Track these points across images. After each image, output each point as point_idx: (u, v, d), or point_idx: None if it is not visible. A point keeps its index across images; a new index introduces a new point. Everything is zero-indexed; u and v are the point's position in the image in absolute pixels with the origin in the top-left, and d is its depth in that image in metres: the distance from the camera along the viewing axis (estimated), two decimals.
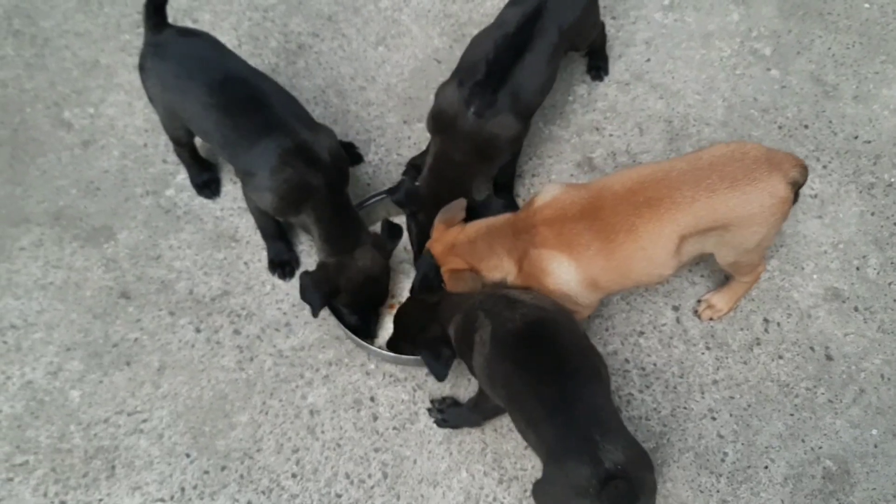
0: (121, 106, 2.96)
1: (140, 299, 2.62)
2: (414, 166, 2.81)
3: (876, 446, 2.50)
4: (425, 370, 2.54)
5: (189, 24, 3.13)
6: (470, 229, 2.31)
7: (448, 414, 2.45)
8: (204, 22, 3.13)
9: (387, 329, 2.58)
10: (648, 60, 3.19)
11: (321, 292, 2.33)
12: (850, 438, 2.51)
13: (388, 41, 3.18)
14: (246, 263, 2.70)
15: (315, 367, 2.55)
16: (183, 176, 2.83)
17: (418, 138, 2.96)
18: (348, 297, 2.40)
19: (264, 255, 2.70)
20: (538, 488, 2.03)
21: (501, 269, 2.29)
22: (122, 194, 2.80)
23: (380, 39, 3.18)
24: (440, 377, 2.25)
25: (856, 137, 3.04)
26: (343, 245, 2.36)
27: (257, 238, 2.72)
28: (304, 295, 2.35)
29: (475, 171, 2.54)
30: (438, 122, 2.50)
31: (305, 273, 2.37)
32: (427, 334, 2.27)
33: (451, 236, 2.29)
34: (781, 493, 2.42)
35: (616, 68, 3.15)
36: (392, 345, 2.43)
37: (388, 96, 3.05)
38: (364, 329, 2.45)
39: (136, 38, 3.09)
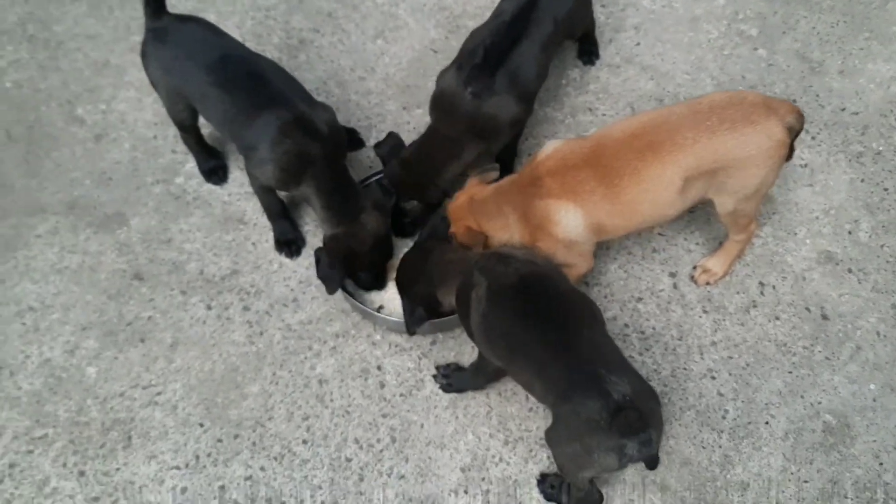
0: (131, 102, 3.08)
1: (152, 280, 2.71)
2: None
3: (874, 400, 2.54)
4: (429, 339, 2.62)
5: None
6: (485, 191, 2.42)
7: (453, 378, 2.52)
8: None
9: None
10: (638, 44, 3.30)
11: (339, 265, 2.44)
12: (849, 393, 2.55)
13: (386, 34, 3.30)
14: (254, 244, 2.79)
15: (323, 340, 2.62)
16: (191, 165, 2.93)
17: (417, 123, 3.06)
18: (362, 262, 2.51)
19: (271, 235, 2.79)
20: (551, 433, 2.08)
21: (508, 228, 2.39)
22: (134, 183, 2.90)
23: (378, 33, 3.30)
24: (407, 330, 2.34)
25: (843, 110, 3.13)
26: (346, 212, 2.45)
27: (264, 220, 2.81)
28: (321, 271, 2.45)
29: (464, 150, 2.62)
30: (438, 103, 2.61)
31: (319, 249, 2.47)
32: (413, 288, 2.35)
33: (472, 192, 2.42)
34: (782, 446, 2.46)
35: (607, 52, 3.26)
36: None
37: (388, 85, 3.16)
38: (376, 284, 2.54)
39: None
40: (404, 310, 2.35)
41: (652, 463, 1.93)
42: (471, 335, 2.30)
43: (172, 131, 3.00)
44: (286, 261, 2.76)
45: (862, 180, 2.96)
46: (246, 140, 2.42)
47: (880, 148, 3.04)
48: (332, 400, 2.52)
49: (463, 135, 2.58)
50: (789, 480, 2.41)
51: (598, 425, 1.89)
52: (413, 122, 3.07)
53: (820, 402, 2.54)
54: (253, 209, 2.85)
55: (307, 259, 2.76)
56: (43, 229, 2.80)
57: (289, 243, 2.74)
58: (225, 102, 2.41)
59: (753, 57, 3.27)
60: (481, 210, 2.41)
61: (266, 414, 2.50)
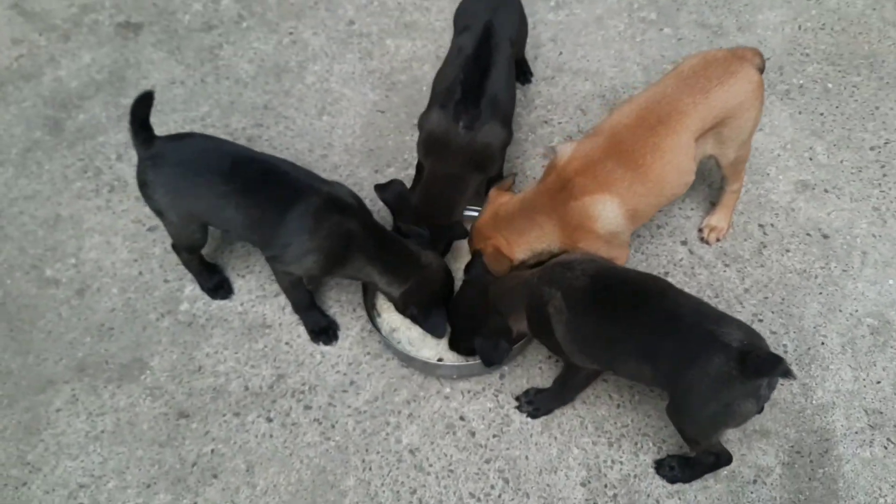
0: (100, 247, 2.91)
1: (199, 413, 2.55)
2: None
3: None
4: (496, 374, 2.61)
5: (132, 151, 3.14)
6: (510, 204, 2.48)
7: (538, 402, 2.52)
8: None
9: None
10: (560, 54, 3.49)
11: (436, 308, 2.45)
12: (876, 294, 2.77)
13: (328, 109, 3.31)
14: (287, 343, 2.69)
15: (396, 411, 2.55)
16: (191, 288, 2.80)
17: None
18: (441, 300, 2.51)
19: (302, 330, 2.70)
20: (676, 407, 2.13)
21: (544, 237, 2.46)
22: (138, 325, 2.73)
23: (320, 110, 3.30)
24: (491, 363, 2.36)
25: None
26: (408, 266, 2.43)
27: (288, 318, 2.73)
28: (425, 324, 2.47)
29: (467, 184, 2.68)
30: (429, 145, 2.65)
31: (409, 309, 2.47)
32: (486, 325, 2.36)
33: (496, 206, 2.50)
34: (845, 359, 2.63)
35: (537, 68, 3.42)
36: (453, 344, 2.53)
37: (351, 155, 3.16)
38: (440, 327, 2.51)
39: (87, 181, 3.07)
40: (483, 348, 2.34)
41: (790, 373, 1.92)
42: (556, 350, 2.32)
43: (157, 263, 2.87)
44: (327, 349, 2.67)
45: (799, 112, 3.26)
46: (279, 238, 2.35)
47: (801, 82, 3.36)
48: (430, 465, 2.45)
49: (463, 169, 2.64)
50: (865, 387, 2.57)
51: (730, 376, 1.96)
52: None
53: (857, 310, 2.73)
54: (271, 310, 2.76)
55: (347, 340, 2.69)
56: (60, 402, 2.57)
57: (324, 331, 2.67)
58: (249, 207, 2.34)
59: (662, 37, 3.55)
60: (510, 226, 2.48)
61: (372, 502, 2.39)
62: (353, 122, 3.27)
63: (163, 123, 3.24)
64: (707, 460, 2.31)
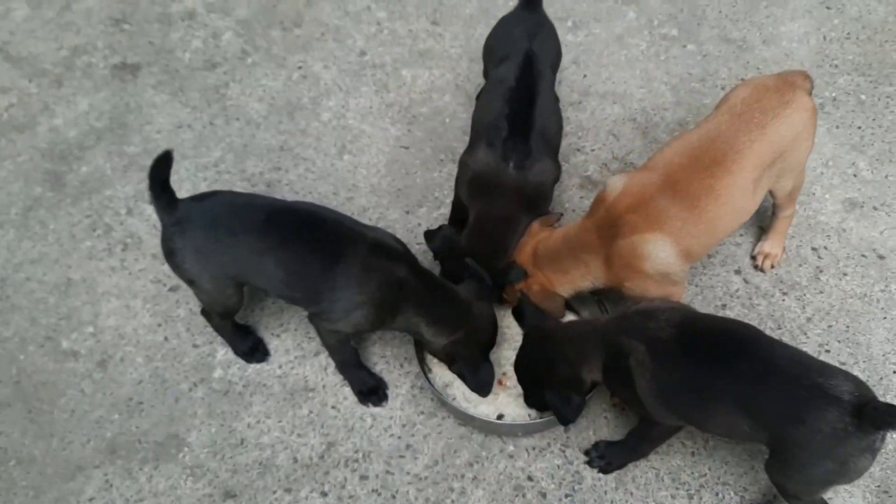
0: (119, 312, 2.70)
1: (247, 492, 2.35)
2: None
3: None
4: (560, 428, 2.45)
5: (143, 204, 2.94)
6: (551, 241, 2.38)
7: (609, 457, 2.37)
8: None
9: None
10: (585, 77, 3.36)
11: (484, 365, 2.31)
12: None
13: (349, 147, 3.13)
14: (334, 407, 2.51)
15: (459, 475, 2.38)
16: (223, 352, 2.61)
17: (425, 220, 2.91)
18: (487, 353, 2.36)
19: (347, 391, 2.52)
20: (780, 464, 1.99)
21: (589, 274, 2.36)
22: (170, 397, 2.53)
23: (340, 149, 3.13)
24: (567, 422, 2.21)
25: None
26: (456, 317, 2.26)
27: (331, 379, 2.55)
28: (471, 381, 2.31)
29: (519, 225, 2.52)
30: (477, 186, 2.50)
31: (455, 366, 2.32)
32: (556, 378, 2.20)
33: (536, 241, 2.41)
34: None
35: (563, 93, 3.28)
36: (529, 400, 2.38)
37: (378, 196, 2.99)
38: (488, 385, 2.34)
39: (97, 240, 2.86)
40: (555, 403, 2.18)
41: None
42: (634, 405, 2.17)
43: (182, 326, 2.67)
44: (377, 410, 2.50)
45: (837, 127, 3.16)
46: (324, 293, 2.18)
47: (834, 94, 3.26)
48: None
49: (514, 209, 2.49)
50: None
51: (846, 432, 1.83)
52: (421, 221, 2.92)
53: None
54: (313, 371, 2.57)
55: (397, 400, 2.52)
56: (93, 489, 2.36)
57: (373, 391, 2.49)
58: (289, 262, 2.16)
59: (686, 53, 3.43)
60: (553, 263, 2.39)
61: None
62: (377, 160, 3.09)
63: (173, 172, 3.01)
64: None
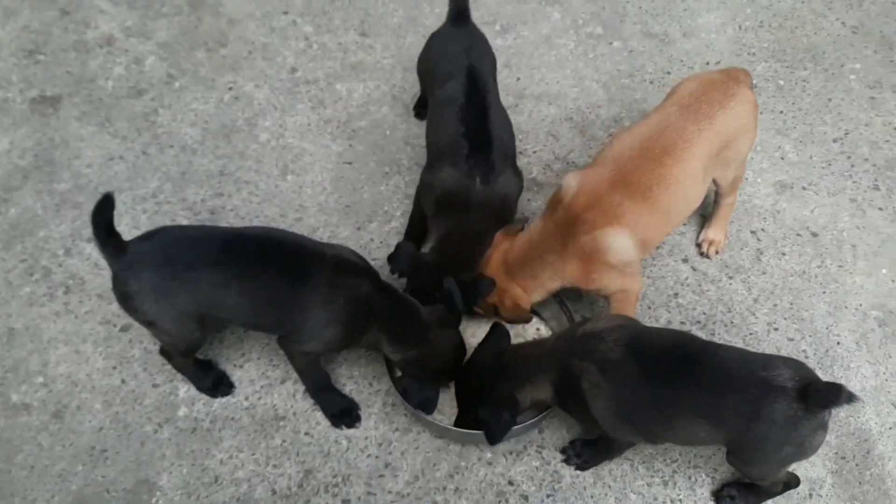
0: (69, 358, 2.59)
1: None
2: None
3: (893, 281, 2.85)
4: (536, 429, 2.49)
5: (81, 243, 2.83)
6: (517, 247, 2.41)
7: (585, 455, 2.42)
8: None
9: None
10: (518, 80, 3.41)
11: (430, 385, 2.27)
12: (873, 286, 2.84)
13: (291, 167, 3.09)
14: (307, 433, 2.47)
15: (441, 488, 2.39)
16: (185, 389, 2.53)
17: (377, 236, 2.90)
18: (445, 377, 2.36)
19: (319, 415, 2.49)
20: (743, 456, 2.08)
21: (557, 276, 2.40)
22: (135, 441, 2.44)
23: (283, 169, 3.08)
24: (494, 440, 2.19)
25: (707, 63, 3.47)
26: (413, 335, 2.26)
27: (301, 404, 2.51)
28: (413, 398, 2.27)
29: (487, 238, 2.54)
30: (445, 204, 2.52)
31: (405, 379, 2.30)
32: (492, 396, 2.23)
33: (502, 250, 2.44)
34: (862, 355, 2.67)
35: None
36: (460, 419, 2.39)
37: (327, 214, 2.96)
38: (429, 406, 2.33)
39: (36, 285, 2.73)
40: (485, 419, 2.20)
41: (854, 397, 1.90)
42: (589, 423, 2.22)
43: (139, 366, 2.58)
44: (351, 432, 2.48)
45: (761, 112, 3.26)
46: (292, 316, 2.15)
47: (754, 82, 3.39)
48: None
49: (483, 224, 2.51)
50: (887, 380, 2.62)
51: (797, 417, 1.93)
52: (373, 236, 2.91)
53: (861, 305, 2.79)
54: (281, 399, 2.53)
55: (370, 419, 2.51)
56: None
57: (345, 413, 2.47)
58: (254, 289, 2.12)
59: (613, 50, 3.52)
60: (523, 270, 2.42)
61: None
62: (322, 178, 3.06)
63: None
64: (775, 489, 2.29)
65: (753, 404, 1.97)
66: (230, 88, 3.30)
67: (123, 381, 2.55)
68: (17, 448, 2.42)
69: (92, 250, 2.81)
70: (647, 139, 2.38)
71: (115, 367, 2.58)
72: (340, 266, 2.19)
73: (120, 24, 3.47)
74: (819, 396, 1.91)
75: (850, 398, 1.88)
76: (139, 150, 3.09)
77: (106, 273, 2.70)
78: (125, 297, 2.13)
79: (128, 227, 2.87)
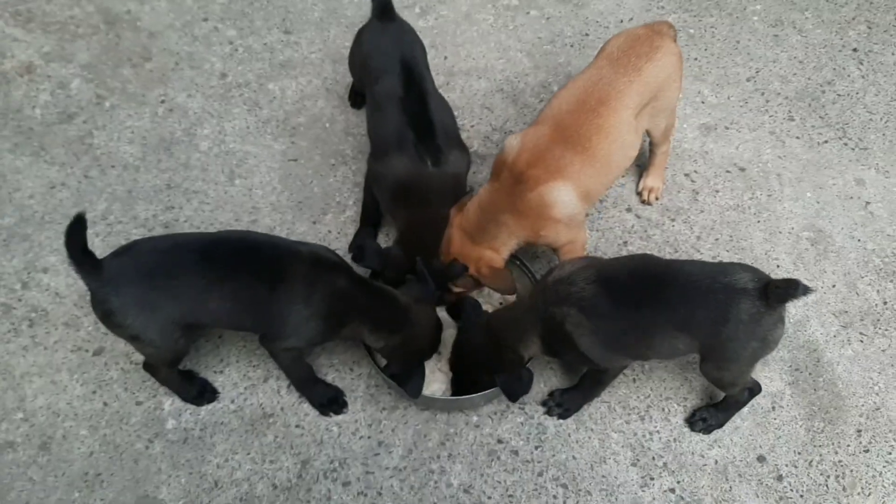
0: (46, 390, 2.58)
1: None
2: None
3: (818, 202, 3.07)
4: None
5: (37, 274, 2.80)
6: (469, 215, 2.49)
7: (566, 402, 2.56)
8: (57, 271, 2.82)
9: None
10: (446, 58, 3.50)
11: (416, 369, 2.35)
12: (801, 209, 3.06)
13: (237, 172, 3.11)
14: (298, 426, 2.54)
15: (435, 456, 2.50)
16: (170, 402, 2.56)
17: (334, 227, 2.96)
18: (427, 355, 2.46)
19: (307, 407, 2.56)
20: (715, 362, 2.28)
21: (512, 235, 2.50)
22: (128, 460, 2.46)
23: (230, 175, 3.10)
24: (517, 397, 2.35)
25: (621, 21, 3.63)
26: (396, 321, 2.35)
27: (287, 399, 2.57)
28: (403, 382, 2.36)
29: (446, 218, 2.62)
30: (401, 192, 2.59)
31: (388, 366, 2.39)
32: (503, 362, 2.36)
33: (457, 223, 2.50)
34: (800, 274, 2.88)
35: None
36: (460, 387, 2.51)
37: (281, 213, 3.00)
38: (418, 388, 2.41)
39: None
40: (508, 384, 2.32)
41: (808, 289, 2.08)
42: (579, 362, 2.37)
43: (119, 387, 2.59)
44: (340, 418, 2.55)
45: (684, 60, 3.48)
46: (274, 314, 2.21)
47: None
48: (489, 497, 2.43)
49: (442, 204, 2.59)
50: (825, 293, 2.84)
51: (760, 314, 2.12)
52: (330, 228, 2.97)
53: (793, 228, 3.00)
54: (267, 397, 2.58)
55: (357, 403, 2.59)
56: None
57: (332, 401, 2.55)
58: (235, 292, 2.17)
59: (531, 19, 3.65)
60: (480, 235, 2.49)
61: None
62: (270, 178, 3.09)
63: (61, 234, 2.87)
64: (742, 397, 2.47)
65: (721, 308, 2.14)
66: (162, 101, 3.29)
67: (106, 404, 2.56)
68: (9, 486, 2.41)
69: (50, 280, 2.79)
70: (582, 93, 2.50)
71: (94, 392, 2.58)
72: (316, 263, 2.26)
73: (38, 51, 3.40)
74: (779, 292, 2.10)
75: (806, 290, 2.06)
76: (80, 175, 3.06)
77: (69, 301, 2.71)
78: (108, 315, 2.15)
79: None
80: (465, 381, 2.51)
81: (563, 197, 2.45)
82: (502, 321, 2.40)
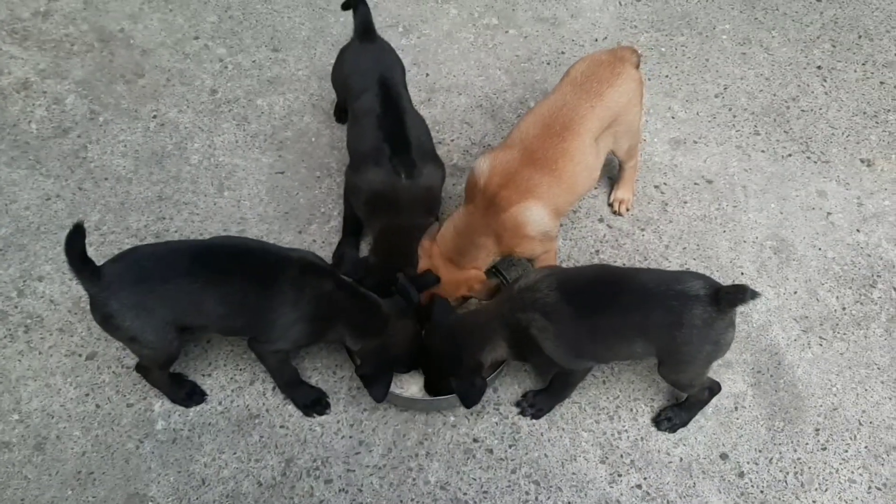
0: (41, 393, 2.69)
1: None
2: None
3: (781, 213, 3.22)
4: (490, 389, 2.74)
5: (33, 283, 2.92)
6: (444, 239, 2.62)
7: (539, 403, 2.69)
8: (52, 279, 2.94)
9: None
10: (427, 75, 3.64)
11: (383, 375, 2.47)
12: (765, 219, 3.20)
13: (226, 184, 3.24)
14: (282, 426, 2.66)
15: (413, 454, 2.62)
16: (159, 404, 2.68)
17: (318, 237, 3.09)
18: (402, 364, 2.57)
19: (292, 409, 2.68)
20: (671, 365, 2.41)
21: (490, 252, 2.64)
22: (119, 459, 2.57)
23: (219, 187, 3.23)
24: (471, 405, 2.48)
25: (596, 40, 3.78)
26: (373, 327, 2.47)
27: (272, 401, 2.69)
28: (371, 388, 2.47)
29: (419, 231, 2.75)
30: (376, 203, 2.72)
31: (359, 368, 2.50)
32: (460, 367, 2.47)
33: (432, 252, 2.64)
34: (763, 280, 3.02)
35: (412, 94, 3.45)
36: (430, 387, 2.63)
37: (268, 223, 3.13)
38: (381, 394, 2.53)
39: None
40: (460, 389, 2.44)
41: (756, 293, 2.22)
42: (546, 365, 2.50)
43: (111, 389, 2.71)
44: (323, 419, 2.67)
45: (649, 79, 3.64)
46: (263, 317, 2.33)
47: (642, 52, 3.73)
48: (465, 493, 2.55)
49: (415, 216, 2.72)
50: (787, 300, 2.98)
51: (712, 318, 2.26)
52: (315, 238, 3.09)
53: (757, 237, 3.15)
54: (253, 399, 2.70)
55: (339, 404, 2.71)
56: None
57: (316, 402, 2.67)
58: (227, 296, 2.30)
59: (510, 38, 3.80)
60: (461, 258, 2.63)
61: None
62: (257, 190, 3.22)
63: (56, 243, 3.02)
64: (702, 396, 2.60)
65: (676, 313, 2.28)
66: (154, 116, 3.42)
67: (98, 406, 2.68)
68: (5, 484, 2.52)
69: (45, 288, 2.91)
70: (547, 118, 2.64)
71: (87, 395, 2.70)
72: (305, 268, 2.39)
73: (33, 68, 3.53)
74: (729, 298, 2.25)
75: (753, 295, 2.21)
76: (75, 187, 3.19)
77: (63, 308, 2.83)
78: (107, 318, 2.28)
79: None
80: (433, 381, 2.62)
81: (534, 216, 2.58)
82: (466, 327, 2.52)
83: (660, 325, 2.31)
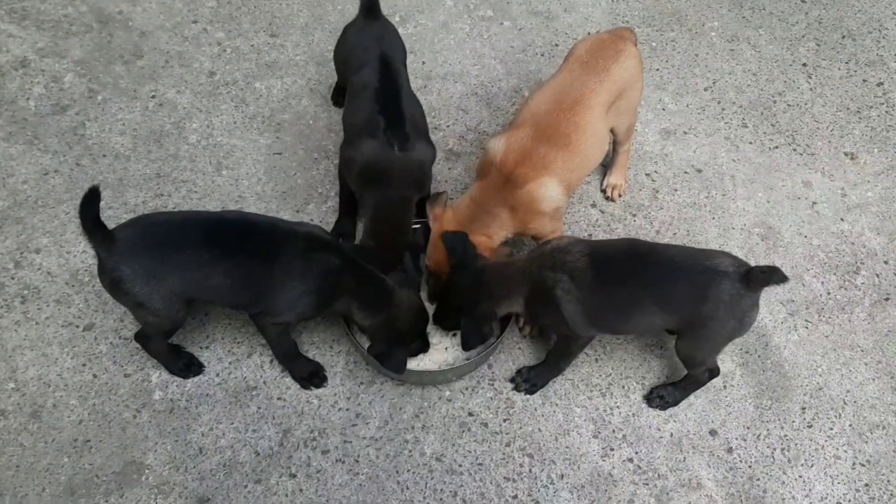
0: (37, 362, 2.69)
1: (219, 493, 2.48)
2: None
3: (768, 202, 3.30)
4: (485, 366, 2.78)
5: (30, 255, 2.92)
6: (462, 209, 2.68)
7: (533, 378, 2.73)
8: (49, 251, 2.95)
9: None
10: (424, 63, 3.70)
11: (399, 348, 2.50)
12: (753, 207, 3.28)
13: (224, 163, 3.27)
14: (280, 398, 2.68)
15: (409, 427, 2.65)
16: (157, 375, 2.69)
17: (316, 216, 3.12)
18: (411, 337, 2.59)
19: (289, 381, 2.70)
20: (691, 340, 2.46)
21: (504, 225, 2.70)
22: (116, 428, 2.58)
23: (217, 166, 3.25)
24: (469, 347, 2.52)
25: (588, 34, 3.85)
26: (380, 301, 2.51)
27: (270, 373, 2.72)
28: (386, 362, 2.49)
29: (411, 203, 2.80)
30: (369, 174, 2.74)
31: (371, 347, 2.51)
32: (475, 310, 2.53)
33: (443, 219, 2.70)
34: None
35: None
36: (437, 318, 2.69)
37: (266, 202, 3.16)
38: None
39: None
40: (466, 328, 2.50)
41: (786, 278, 2.29)
42: (556, 326, 2.55)
43: (108, 360, 2.72)
44: (320, 391, 2.70)
45: (646, 70, 3.72)
46: (270, 290, 2.36)
47: None
48: (460, 465, 2.59)
49: (406, 190, 2.76)
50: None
51: (739, 295, 2.32)
52: (313, 217, 3.12)
53: (745, 224, 3.23)
54: (250, 371, 2.72)
55: (336, 377, 2.74)
56: None
57: (314, 375, 2.69)
58: (238, 268, 2.32)
59: (505, 29, 3.87)
60: (473, 224, 2.68)
61: None
62: (255, 170, 3.25)
63: (54, 217, 3.02)
64: (703, 378, 2.66)
65: (702, 288, 2.34)
66: (153, 96, 3.44)
67: (95, 376, 2.68)
68: (0, 451, 2.52)
69: (42, 260, 2.91)
70: (558, 95, 2.71)
71: (84, 364, 2.70)
72: (312, 242, 2.42)
73: (32, 46, 3.54)
74: (762, 277, 2.31)
75: (783, 278, 2.28)
76: (73, 163, 3.20)
77: (60, 280, 2.84)
78: (116, 283, 2.29)
79: (75, 234, 2.98)
80: (443, 315, 2.67)
81: (549, 192, 2.64)
82: (495, 274, 2.56)
83: (686, 298, 2.37)
